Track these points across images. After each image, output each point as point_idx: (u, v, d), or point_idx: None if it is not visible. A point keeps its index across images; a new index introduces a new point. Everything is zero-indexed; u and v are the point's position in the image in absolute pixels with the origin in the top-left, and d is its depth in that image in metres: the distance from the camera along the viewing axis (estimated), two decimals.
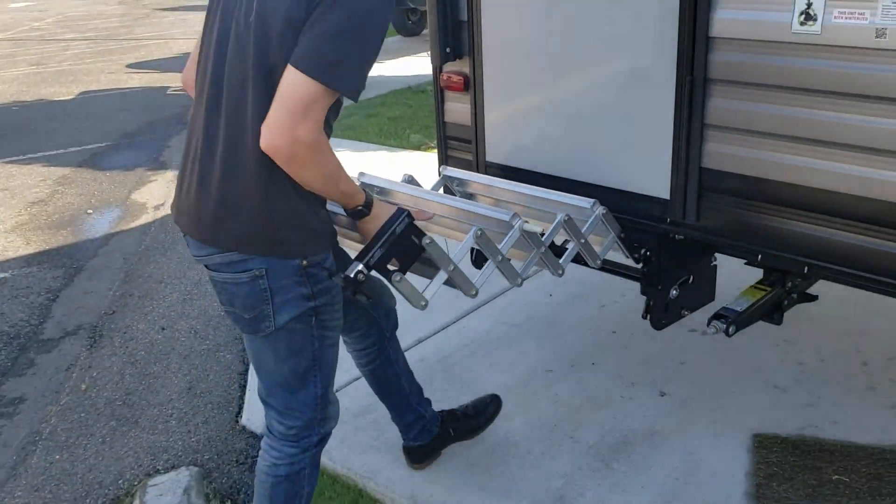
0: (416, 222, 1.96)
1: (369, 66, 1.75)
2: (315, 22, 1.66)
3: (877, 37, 1.90)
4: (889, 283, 2.08)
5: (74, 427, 3.17)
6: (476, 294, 2.12)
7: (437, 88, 2.99)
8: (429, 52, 2.93)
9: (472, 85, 2.84)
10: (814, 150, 2.09)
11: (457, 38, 2.85)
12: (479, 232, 2.08)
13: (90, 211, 5.92)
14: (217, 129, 1.82)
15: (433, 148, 6.51)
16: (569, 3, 2.49)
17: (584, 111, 2.57)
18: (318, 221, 1.88)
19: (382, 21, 1.74)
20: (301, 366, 1.98)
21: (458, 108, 2.95)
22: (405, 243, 1.92)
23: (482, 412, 2.75)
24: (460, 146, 3.00)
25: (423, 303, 2.01)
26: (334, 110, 1.83)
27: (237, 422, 3.08)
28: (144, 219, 5.62)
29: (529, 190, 2.48)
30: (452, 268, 2.03)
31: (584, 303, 3.70)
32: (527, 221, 2.16)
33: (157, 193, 6.20)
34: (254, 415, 3.08)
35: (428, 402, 2.65)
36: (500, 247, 2.13)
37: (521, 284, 2.27)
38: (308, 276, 1.87)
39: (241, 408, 3.17)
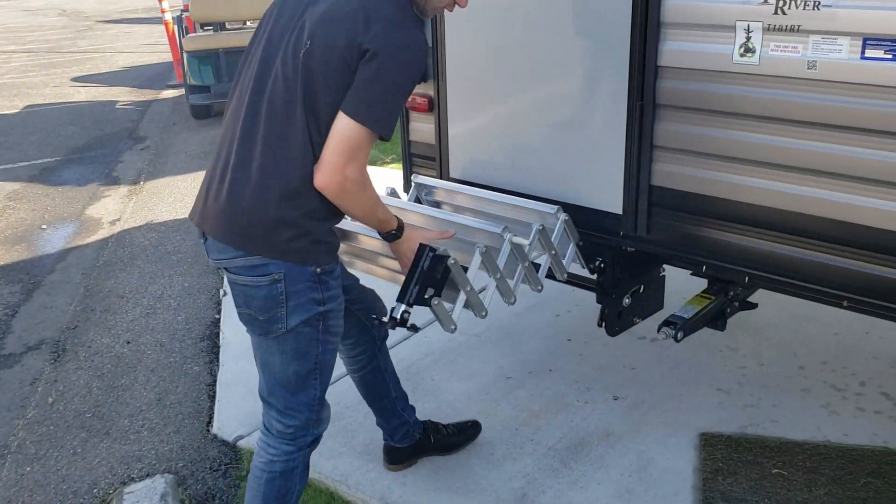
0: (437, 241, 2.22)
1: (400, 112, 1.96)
2: (364, 72, 1.91)
3: (808, 68, 2.11)
4: (819, 290, 2.29)
5: (44, 439, 3.21)
6: (486, 315, 2.36)
7: (403, 109, 3.13)
8: None
9: (436, 106, 3.00)
10: (752, 169, 2.30)
11: None
12: (483, 249, 2.26)
13: (44, 226, 5.90)
14: (253, 147, 1.99)
15: (387, 163, 6.66)
16: (528, 33, 2.67)
17: (543, 132, 2.75)
18: (333, 237, 2.09)
19: (418, 73, 1.99)
20: (304, 368, 2.12)
21: (422, 128, 3.11)
22: (433, 274, 2.17)
23: (462, 432, 2.90)
24: (425, 163, 3.15)
25: (453, 327, 2.27)
26: None
27: (209, 431, 3.16)
28: (101, 234, 5.63)
29: (496, 196, 2.66)
30: (469, 288, 2.27)
31: (540, 312, 3.88)
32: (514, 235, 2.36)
33: (111, 209, 6.21)
34: (224, 424, 3.17)
35: (412, 409, 2.79)
36: (498, 263, 2.32)
37: (514, 302, 2.47)
38: (321, 282, 2.04)
39: (211, 417, 3.25)
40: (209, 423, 3.22)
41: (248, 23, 9.55)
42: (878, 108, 2.02)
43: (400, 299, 2.16)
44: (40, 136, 8.76)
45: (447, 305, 2.24)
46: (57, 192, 6.75)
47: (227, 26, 9.26)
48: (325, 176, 1.95)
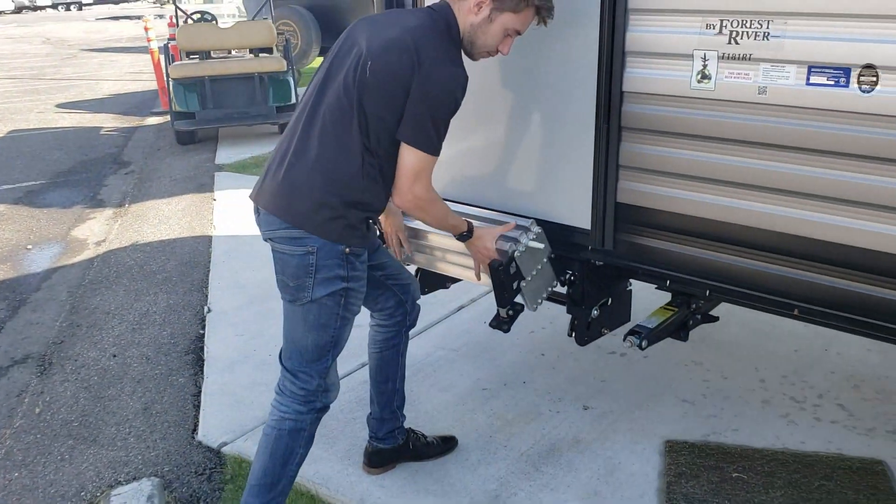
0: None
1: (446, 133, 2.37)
2: (414, 103, 2.26)
3: (759, 93, 2.30)
4: (772, 300, 2.45)
5: (31, 447, 3.30)
6: (537, 308, 2.84)
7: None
8: None
9: None
10: (710, 187, 2.47)
11: None
12: (523, 249, 2.67)
13: (30, 246, 5.99)
14: (310, 141, 2.33)
15: None
16: (504, 61, 2.84)
17: (518, 152, 2.92)
18: (365, 227, 2.40)
19: (457, 104, 2.34)
20: (323, 339, 2.41)
21: None
22: (508, 274, 2.65)
23: (440, 444, 3.04)
24: None
25: (535, 306, 2.83)
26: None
27: (194, 437, 3.27)
28: (86, 254, 5.73)
29: (476, 212, 2.91)
30: (533, 274, 2.73)
31: (515, 329, 3.91)
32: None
33: (97, 230, 6.31)
34: (209, 431, 3.28)
35: (404, 415, 2.95)
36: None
37: (535, 309, 2.86)
38: (348, 261, 2.36)
39: (196, 425, 3.35)
40: (194, 430, 3.32)
41: (234, 52, 9.74)
42: (821, 129, 2.21)
43: (501, 305, 2.75)
44: (25, 160, 8.85)
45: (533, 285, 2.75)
46: (42, 213, 6.84)
47: (213, 55, 9.44)
48: (400, 196, 2.37)
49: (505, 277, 2.66)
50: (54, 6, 45.74)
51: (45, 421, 3.48)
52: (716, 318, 3.14)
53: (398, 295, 2.77)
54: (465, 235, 2.60)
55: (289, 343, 2.47)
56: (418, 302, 2.88)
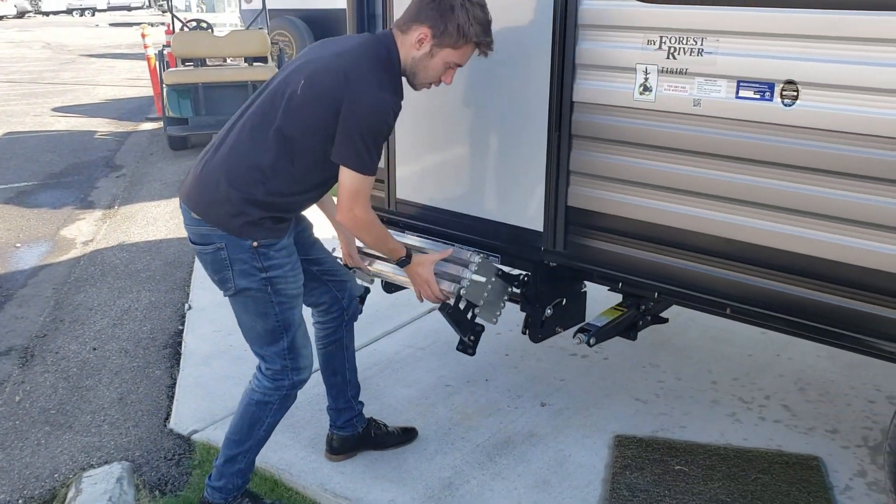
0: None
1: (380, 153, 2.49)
2: (344, 127, 2.38)
3: (694, 105, 2.46)
4: (708, 299, 2.61)
5: (9, 433, 3.43)
6: (497, 321, 3.05)
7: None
8: None
9: None
10: (653, 192, 2.63)
11: None
12: (468, 284, 2.82)
13: (18, 245, 6.13)
14: (226, 140, 2.49)
15: None
16: (466, 69, 3.00)
17: (477, 158, 3.08)
18: (270, 222, 2.48)
19: (387, 127, 2.47)
20: (269, 324, 2.56)
21: None
22: (460, 311, 2.85)
23: (400, 434, 3.18)
24: (375, 185, 3.45)
25: (494, 320, 3.03)
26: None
27: (165, 425, 3.41)
28: (73, 253, 5.87)
29: (416, 241, 3.15)
30: (482, 302, 2.90)
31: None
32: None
33: (85, 230, 6.45)
34: (181, 420, 3.42)
35: (361, 403, 3.10)
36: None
37: (496, 322, 3.07)
38: (259, 254, 2.46)
39: (169, 414, 3.49)
40: (167, 419, 3.46)
41: (228, 59, 9.91)
42: (749, 140, 2.37)
43: (462, 334, 2.92)
44: (18, 161, 9.00)
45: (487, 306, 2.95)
46: (32, 213, 6.98)
47: (208, 62, 9.61)
48: (341, 214, 2.49)
49: (457, 314, 2.84)
50: (69, 11, 46.33)
51: (25, 409, 3.62)
52: (665, 320, 3.29)
53: (333, 291, 2.89)
54: (404, 261, 2.74)
55: (243, 332, 2.65)
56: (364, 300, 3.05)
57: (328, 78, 2.39)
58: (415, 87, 2.61)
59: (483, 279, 2.87)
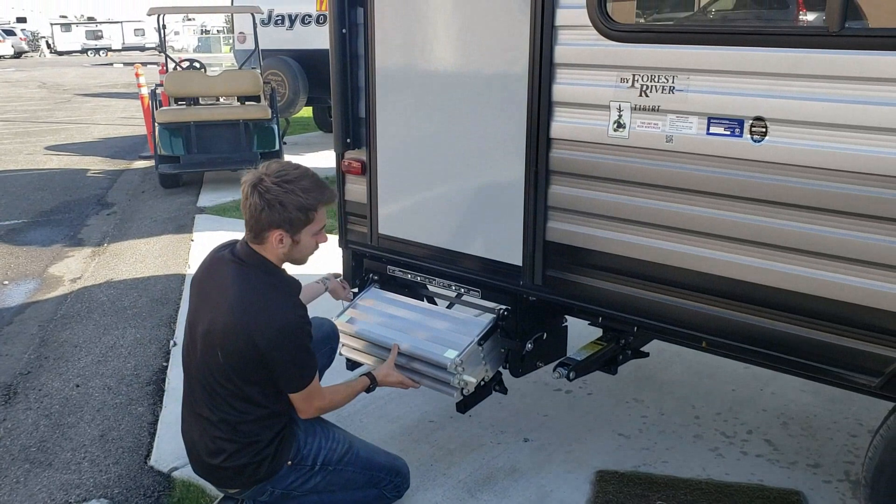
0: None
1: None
2: (276, 362, 2.50)
3: (666, 141, 2.51)
4: (684, 332, 2.63)
5: None
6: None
7: (339, 172, 3.50)
8: None
9: (368, 169, 3.36)
10: (629, 227, 2.66)
11: (356, 131, 3.39)
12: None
13: (6, 282, 6.12)
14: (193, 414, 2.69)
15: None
16: (446, 108, 3.06)
17: (457, 194, 3.12)
18: (282, 441, 2.66)
19: (308, 334, 2.57)
20: (358, 482, 2.80)
21: (356, 189, 3.47)
22: (472, 398, 3.11)
23: None
24: (357, 221, 3.49)
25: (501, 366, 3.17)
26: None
27: (146, 463, 3.38)
28: (61, 290, 5.87)
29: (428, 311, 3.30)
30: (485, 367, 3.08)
31: None
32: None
33: (74, 268, 6.46)
34: (161, 457, 3.40)
35: None
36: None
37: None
38: (298, 464, 2.69)
39: (150, 451, 3.47)
40: (147, 456, 3.44)
41: (221, 99, 10.01)
42: (721, 175, 2.41)
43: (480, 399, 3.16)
44: (9, 199, 9.02)
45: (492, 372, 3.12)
46: (21, 251, 6.99)
47: (201, 101, 9.70)
48: (306, 415, 2.69)
49: (471, 401, 3.08)
50: (83, 51, 47.19)
51: (5, 446, 3.59)
52: (646, 354, 3.30)
53: None
54: (372, 387, 2.95)
55: (357, 500, 2.87)
56: None
57: (243, 343, 2.47)
58: (299, 263, 2.67)
59: (473, 380, 2.97)
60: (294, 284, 2.63)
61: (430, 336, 3.09)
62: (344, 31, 3.26)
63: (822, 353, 2.34)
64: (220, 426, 2.57)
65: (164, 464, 3.34)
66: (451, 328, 3.09)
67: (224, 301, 2.52)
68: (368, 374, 2.95)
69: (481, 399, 3.13)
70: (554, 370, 3.00)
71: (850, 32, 2.14)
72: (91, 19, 52.56)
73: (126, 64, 34.67)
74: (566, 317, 3.23)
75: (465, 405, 3.09)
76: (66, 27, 50.51)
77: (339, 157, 3.47)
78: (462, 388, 2.96)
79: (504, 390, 3.21)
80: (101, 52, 47.75)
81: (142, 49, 47.65)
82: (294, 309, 2.55)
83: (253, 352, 2.46)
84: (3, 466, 3.43)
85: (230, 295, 2.51)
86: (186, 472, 3.26)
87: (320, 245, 2.65)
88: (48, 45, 51.49)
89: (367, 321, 3.28)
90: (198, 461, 2.68)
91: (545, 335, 3.14)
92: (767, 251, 2.37)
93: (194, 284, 2.70)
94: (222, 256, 2.62)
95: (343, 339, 3.29)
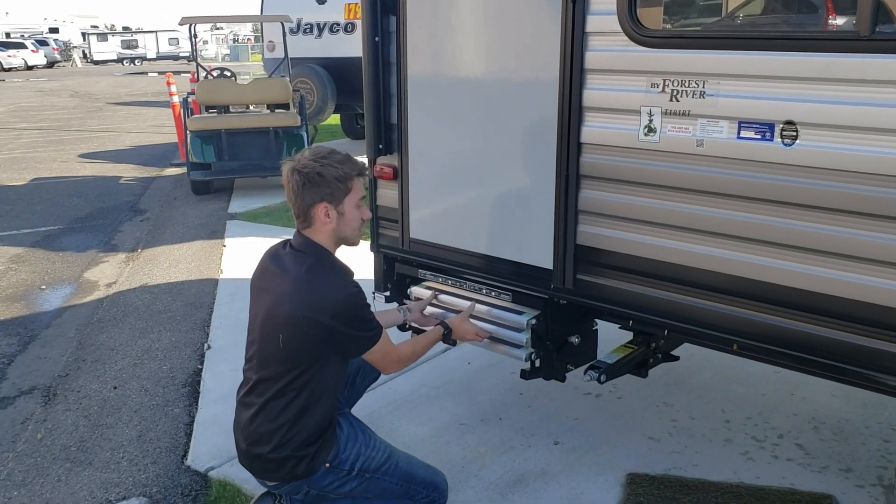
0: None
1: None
2: (336, 332, 2.56)
3: (697, 146, 2.53)
4: (715, 335, 2.64)
5: (31, 469, 3.49)
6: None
7: (372, 178, 3.56)
8: None
9: (399, 175, 3.41)
10: (659, 230, 2.69)
11: (388, 137, 3.44)
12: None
13: (43, 287, 6.26)
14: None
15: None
16: (476, 114, 3.11)
17: (488, 198, 3.16)
18: (324, 441, 2.68)
19: (366, 301, 2.63)
20: (395, 492, 2.79)
21: (388, 194, 3.52)
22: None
23: None
24: (389, 225, 3.55)
25: None
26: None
27: (183, 462, 3.45)
28: (97, 295, 5.99)
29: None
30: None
31: (497, 370, 4.21)
32: None
33: (109, 273, 6.58)
34: (198, 457, 3.47)
35: None
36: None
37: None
38: (335, 468, 2.69)
39: (186, 451, 3.54)
40: (184, 456, 3.51)
41: (251, 107, 10.15)
42: (751, 178, 2.43)
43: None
44: (45, 206, 9.21)
45: None
46: (57, 256, 7.13)
47: (231, 109, 9.85)
48: (390, 370, 2.85)
49: (534, 373, 3.16)
50: (119, 60, 48.15)
51: (46, 446, 3.68)
52: (676, 358, 3.32)
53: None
54: (447, 335, 2.99)
55: None
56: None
57: (305, 327, 2.54)
58: (352, 243, 2.72)
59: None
60: (347, 268, 2.70)
61: (497, 308, 3.21)
62: (377, 38, 3.31)
63: (852, 355, 2.35)
64: (266, 415, 2.64)
65: (200, 464, 3.41)
66: (508, 308, 3.20)
67: (281, 287, 2.61)
68: (442, 323, 3.01)
69: (540, 375, 3.17)
70: (585, 373, 3.02)
71: (880, 36, 2.16)
72: (126, 29, 53.43)
73: (160, 73, 35.14)
74: (596, 320, 3.25)
75: (529, 374, 3.14)
76: (102, 36, 51.47)
77: (371, 163, 3.53)
78: (531, 355, 3.06)
79: (563, 378, 3.22)
80: (136, 62, 48.57)
81: (175, 58, 48.40)
82: (349, 283, 2.63)
83: (316, 329, 2.53)
84: (45, 465, 3.52)
85: (287, 281, 2.60)
86: (223, 472, 3.32)
87: (364, 219, 2.70)
88: (84, 55, 52.44)
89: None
90: (241, 450, 2.74)
91: (576, 339, 3.17)
92: (798, 254, 2.39)
93: (252, 282, 2.80)
94: (276, 251, 2.73)
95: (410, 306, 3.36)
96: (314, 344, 2.58)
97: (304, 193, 2.58)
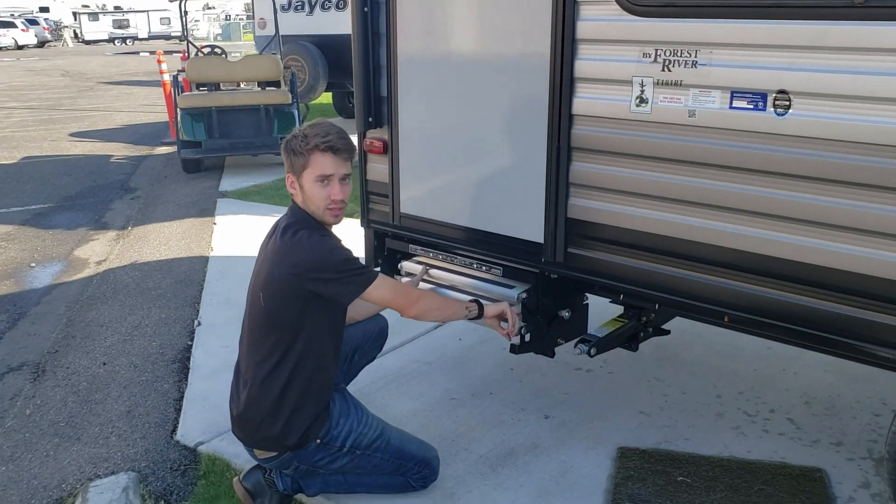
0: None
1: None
2: (326, 281, 2.58)
3: (689, 116, 2.50)
4: (706, 308, 2.62)
5: (19, 445, 3.47)
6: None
7: (361, 151, 3.52)
8: None
9: (389, 148, 3.38)
10: (651, 203, 2.66)
11: (378, 110, 3.40)
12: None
13: (33, 265, 6.22)
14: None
15: None
16: (467, 86, 3.07)
17: (479, 172, 3.13)
18: (316, 416, 2.70)
19: (343, 248, 2.65)
20: (387, 468, 2.83)
21: (377, 168, 3.49)
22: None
23: None
24: (379, 200, 3.51)
25: None
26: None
27: (172, 437, 3.44)
28: (87, 272, 5.95)
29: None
30: None
31: (488, 346, 4.19)
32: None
33: (99, 250, 6.54)
34: (187, 432, 3.45)
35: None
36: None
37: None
38: (327, 444, 2.72)
39: (176, 426, 3.53)
40: (173, 431, 3.49)
41: (242, 84, 10.06)
42: (744, 149, 2.40)
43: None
44: (35, 184, 9.15)
45: None
46: (47, 234, 7.09)
47: (222, 87, 9.76)
48: (409, 312, 2.76)
49: (525, 348, 3.10)
50: (110, 40, 47.71)
51: (35, 422, 3.66)
52: (667, 332, 3.30)
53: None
54: (475, 312, 2.92)
55: (379, 487, 2.90)
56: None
57: (283, 281, 2.59)
58: (327, 222, 2.72)
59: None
60: (334, 235, 2.72)
61: (488, 282, 3.20)
62: (366, 9, 3.27)
63: (843, 327, 2.33)
64: (255, 380, 2.65)
65: (190, 438, 3.40)
66: (498, 283, 3.19)
67: (268, 250, 2.68)
68: (479, 303, 2.95)
69: (531, 350, 3.15)
70: (575, 346, 3.01)
71: (875, 4, 2.12)
72: (118, 9, 52.89)
73: (151, 53, 34.88)
74: (587, 295, 3.23)
75: (519, 348, 3.12)
76: (94, 16, 50.90)
77: (361, 137, 3.49)
78: (521, 329, 3.02)
79: (552, 354, 3.21)
80: (127, 41, 48.12)
81: (167, 38, 47.98)
82: (331, 240, 2.66)
83: (297, 287, 2.56)
84: (34, 441, 3.50)
85: (273, 243, 2.66)
86: (212, 447, 3.31)
87: (335, 200, 2.66)
88: (75, 35, 51.91)
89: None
90: (233, 419, 2.75)
91: (566, 313, 3.15)
92: (790, 225, 2.36)
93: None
94: (278, 220, 2.78)
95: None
96: (294, 301, 2.57)
97: (286, 162, 2.68)
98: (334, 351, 2.79)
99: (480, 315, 2.92)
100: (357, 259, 2.66)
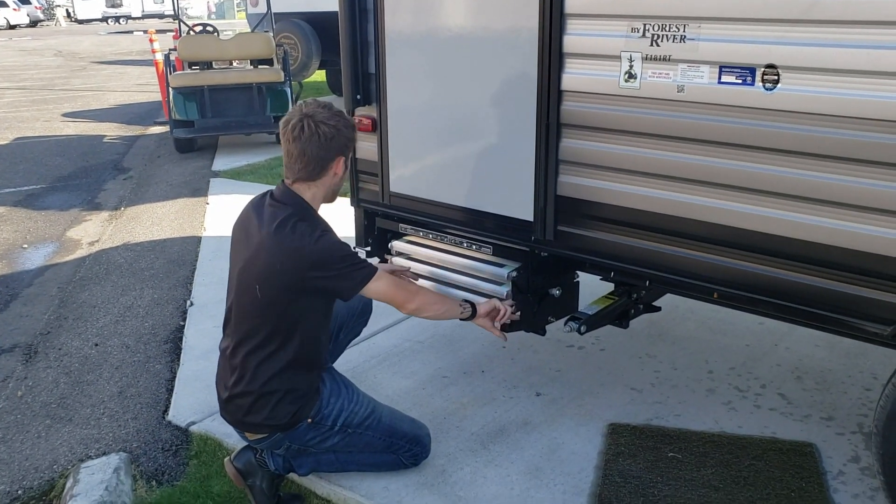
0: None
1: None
2: (326, 280, 2.57)
3: (678, 91, 2.48)
4: (695, 284, 2.62)
5: (11, 426, 3.48)
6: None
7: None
8: None
9: (378, 126, 3.35)
10: (640, 179, 2.64)
11: (366, 88, 3.37)
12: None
13: (25, 246, 6.20)
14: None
15: None
16: (456, 62, 3.04)
17: (468, 150, 3.10)
18: (307, 396, 2.69)
19: (347, 246, 2.62)
20: (378, 445, 2.84)
21: (367, 147, 3.46)
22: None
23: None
24: (369, 179, 3.49)
25: None
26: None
27: (164, 418, 3.44)
28: (79, 253, 5.93)
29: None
30: None
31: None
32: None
33: (91, 231, 6.52)
34: (179, 412, 3.45)
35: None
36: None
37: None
38: (318, 423, 2.71)
39: (167, 407, 3.53)
40: (165, 411, 3.50)
41: (234, 63, 9.98)
42: (733, 124, 2.38)
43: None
44: (28, 165, 9.10)
45: None
46: (40, 215, 7.06)
47: (214, 65, 9.68)
48: (409, 307, 2.76)
49: (513, 326, 3.07)
50: (104, 19, 47.29)
51: (26, 403, 3.66)
52: (658, 309, 3.30)
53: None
54: (469, 312, 2.92)
55: (371, 466, 2.91)
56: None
57: (280, 274, 2.56)
58: (333, 199, 2.75)
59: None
60: (329, 227, 2.70)
61: (478, 261, 3.20)
62: None
63: (833, 302, 2.33)
64: (247, 367, 2.63)
65: (181, 419, 3.40)
66: (488, 262, 3.19)
67: (259, 239, 2.60)
68: (472, 305, 2.95)
69: (521, 328, 3.15)
70: (565, 324, 3.01)
71: None
72: None
73: (144, 32, 34.69)
74: (577, 272, 3.22)
75: (509, 326, 3.07)
76: None
77: (350, 114, 3.46)
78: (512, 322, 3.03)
79: (543, 332, 3.19)
80: (120, 20, 47.73)
81: (161, 17, 47.57)
82: (328, 233, 2.63)
83: (294, 280, 2.53)
84: (25, 422, 3.50)
85: (265, 232, 2.60)
86: (204, 427, 3.31)
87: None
88: (68, 14, 51.43)
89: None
90: (222, 402, 2.74)
91: (556, 291, 3.14)
92: (779, 200, 2.35)
93: (233, 233, 2.78)
94: (258, 202, 2.72)
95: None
96: (292, 295, 2.56)
97: (330, 146, 2.59)
98: (326, 337, 2.81)
99: (474, 314, 2.93)
100: (356, 254, 2.65)
